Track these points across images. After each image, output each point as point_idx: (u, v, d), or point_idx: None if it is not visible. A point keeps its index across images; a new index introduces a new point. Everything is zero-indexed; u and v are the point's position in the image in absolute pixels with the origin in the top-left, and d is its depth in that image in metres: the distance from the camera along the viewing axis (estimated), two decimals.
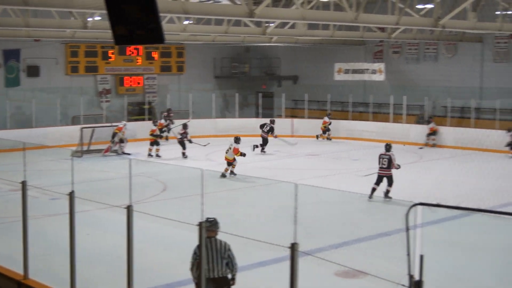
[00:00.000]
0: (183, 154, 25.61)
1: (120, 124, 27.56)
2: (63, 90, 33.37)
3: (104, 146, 27.12)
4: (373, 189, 17.34)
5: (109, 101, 35.02)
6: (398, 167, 17.45)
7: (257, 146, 26.93)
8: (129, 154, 26.98)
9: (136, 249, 8.46)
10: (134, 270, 8.47)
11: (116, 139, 26.89)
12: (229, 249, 8.27)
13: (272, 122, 28.37)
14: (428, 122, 29.26)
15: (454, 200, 17.34)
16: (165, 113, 30.81)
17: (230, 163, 21.04)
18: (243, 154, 21.18)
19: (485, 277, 11.43)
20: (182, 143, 25.67)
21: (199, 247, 7.78)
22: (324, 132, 31.77)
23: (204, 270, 7.83)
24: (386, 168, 17.33)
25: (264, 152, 26.82)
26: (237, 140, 21.27)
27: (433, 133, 28.88)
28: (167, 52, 37.23)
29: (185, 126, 25.88)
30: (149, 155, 26.38)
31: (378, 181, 17.41)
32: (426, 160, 25.20)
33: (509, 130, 25.75)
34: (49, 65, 33.04)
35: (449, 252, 12.61)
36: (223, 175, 20.70)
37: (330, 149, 28.33)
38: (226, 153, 21.11)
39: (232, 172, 21.09)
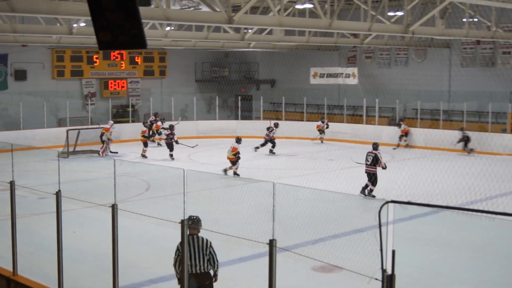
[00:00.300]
0: (171, 156, 25.19)
1: (108, 125, 27.38)
2: (49, 93, 33.14)
3: (90, 148, 27.03)
4: (366, 185, 17.59)
5: (94, 104, 34.84)
6: (385, 167, 17.60)
7: (272, 152, 26.92)
8: (116, 152, 26.82)
9: (121, 246, 8.43)
10: (119, 266, 8.43)
11: (104, 138, 26.69)
12: (211, 246, 8.28)
13: (276, 125, 28.03)
14: (399, 125, 29.24)
15: (425, 198, 17.47)
16: (153, 116, 30.43)
17: (234, 162, 21.02)
18: (237, 156, 20.99)
19: (454, 270, 11.52)
20: (169, 145, 25.32)
21: (181, 243, 7.79)
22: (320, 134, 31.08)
23: (187, 266, 7.84)
24: (370, 165, 17.53)
25: (256, 150, 26.84)
26: (238, 140, 21.30)
27: (405, 134, 28.95)
28: (150, 57, 37.12)
29: (171, 127, 25.53)
30: (143, 155, 26.20)
31: (369, 178, 17.66)
32: (398, 160, 25.33)
33: (461, 129, 26.11)
34: (36, 69, 32.82)
35: (420, 247, 12.69)
36: (225, 171, 21.02)
37: (307, 149, 28.39)
38: (228, 152, 21.13)
39: (235, 173, 21.08)
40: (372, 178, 17.57)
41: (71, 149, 26.56)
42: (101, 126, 28.03)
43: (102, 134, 26.88)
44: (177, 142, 25.31)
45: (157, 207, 15.43)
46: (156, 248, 12.64)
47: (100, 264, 11.18)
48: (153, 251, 12.55)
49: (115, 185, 8.66)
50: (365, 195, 17.48)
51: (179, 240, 7.72)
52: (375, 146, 18.02)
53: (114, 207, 8.31)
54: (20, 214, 10.29)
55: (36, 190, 11.69)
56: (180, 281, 8.04)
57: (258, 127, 32.65)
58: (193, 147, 26.47)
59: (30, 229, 13.59)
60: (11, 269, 9.91)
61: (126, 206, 8.77)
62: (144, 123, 27.75)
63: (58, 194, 9.10)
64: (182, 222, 7.59)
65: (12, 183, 9.89)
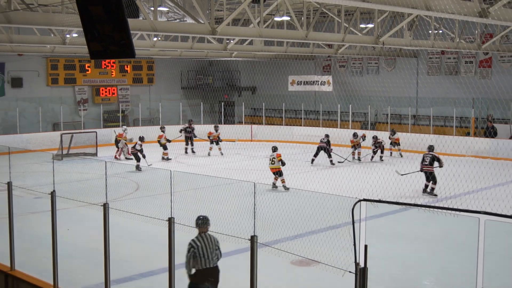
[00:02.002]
0: (137, 167, 22.77)
1: (121, 130, 26.86)
2: (44, 99, 32.94)
3: (83, 150, 26.90)
4: (426, 185, 18.03)
5: (86, 109, 34.65)
6: (443, 165, 18.01)
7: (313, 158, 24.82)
8: (131, 158, 26.19)
9: (112, 242, 8.41)
10: (111, 262, 8.41)
11: (121, 145, 26.07)
12: (218, 242, 8.14)
13: (327, 136, 25.14)
14: (394, 133, 27.17)
15: (394, 197, 17.56)
16: (187, 124, 29.14)
17: (279, 172, 18.69)
18: (283, 163, 18.67)
19: (421, 262, 11.60)
20: (135, 155, 23.00)
21: (194, 241, 7.77)
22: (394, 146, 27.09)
23: (199, 262, 7.81)
24: (428, 165, 17.89)
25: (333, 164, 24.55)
26: (276, 148, 19.15)
27: (398, 143, 27.00)
28: (139, 66, 37.00)
29: (141, 138, 23.52)
30: (163, 158, 25.55)
31: (427, 178, 18.03)
32: (369, 161, 25.44)
33: (375, 137, 25.51)
34: (31, 77, 32.59)
35: (390, 242, 12.75)
36: (274, 186, 18.71)
37: (286, 152, 28.36)
38: (273, 164, 18.74)
39: (285, 187, 18.51)
40: (431, 177, 17.90)
41: (65, 152, 26.38)
42: (91, 131, 27.78)
43: (117, 140, 26.43)
44: (144, 157, 23.05)
45: (146, 206, 15.40)
46: (145, 244, 12.60)
47: (93, 259, 11.12)
48: (143, 247, 12.50)
49: (106, 185, 8.64)
50: (428, 194, 17.80)
51: (167, 236, 7.68)
52: (432, 148, 18.41)
53: (105, 206, 8.30)
54: (17, 213, 10.23)
55: (32, 190, 11.64)
56: (192, 277, 7.91)
57: (240, 131, 32.70)
58: (149, 165, 23.48)
59: (27, 227, 13.48)
60: (9, 264, 9.85)
61: (117, 205, 8.75)
62: (161, 128, 26.68)
63: (53, 194, 9.07)
64: (169, 219, 7.59)
65: (9, 184, 9.84)
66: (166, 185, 7.96)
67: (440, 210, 6.45)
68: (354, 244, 5.99)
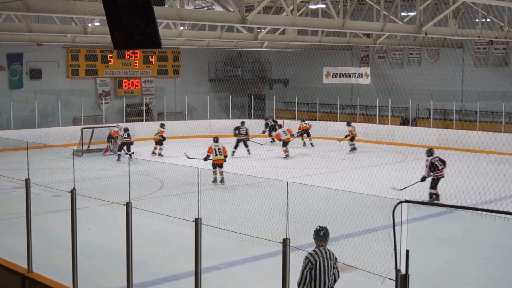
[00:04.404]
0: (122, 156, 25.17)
1: (116, 128, 27.25)
2: (64, 92, 33.34)
3: (104, 146, 27.11)
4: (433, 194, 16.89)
5: (108, 102, 34.96)
6: None
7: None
8: (132, 152, 26.60)
9: (135, 244, 8.43)
10: (133, 264, 8.44)
11: (119, 141, 26.32)
12: (337, 260, 7.49)
13: (243, 123, 27.38)
14: (349, 124, 27.88)
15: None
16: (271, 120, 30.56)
17: (221, 164, 19.75)
18: (206, 158, 19.95)
19: (467, 270, 11.45)
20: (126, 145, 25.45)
21: (312, 255, 7.20)
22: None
23: (314, 281, 7.18)
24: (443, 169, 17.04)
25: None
26: (217, 139, 20.30)
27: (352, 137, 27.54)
28: (164, 56, 37.20)
29: (126, 129, 25.57)
30: (153, 153, 26.52)
31: (435, 184, 16.96)
32: (411, 159, 25.22)
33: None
34: (51, 68, 32.98)
35: (434, 247, 12.62)
36: (215, 180, 19.43)
37: (320, 148, 28.32)
38: (220, 155, 19.77)
39: (222, 180, 19.66)
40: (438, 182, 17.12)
41: (85, 147, 26.65)
42: (112, 125, 27.98)
43: (111, 137, 26.77)
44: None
45: (171, 205, 15.47)
46: (170, 246, 12.65)
47: (114, 262, 11.21)
48: (167, 249, 12.56)
49: (129, 183, 8.68)
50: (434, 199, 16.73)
51: (193, 238, 7.65)
52: (433, 151, 17.51)
53: (128, 205, 8.33)
54: (35, 212, 10.34)
55: (51, 188, 11.75)
56: None
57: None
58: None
59: (45, 226, 13.64)
60: (26, 266, 9.95)
61: (140, 204, 8.78)
62: (161, 125, 27.36)
63: (72, 192, 9.13)
64: (196, 220, 7.58)
65: (27, 181, 9.95)
66: (192, 184, 7.96)
67: (488, 213, 6.34)
68: (395, 249, 5.92)
